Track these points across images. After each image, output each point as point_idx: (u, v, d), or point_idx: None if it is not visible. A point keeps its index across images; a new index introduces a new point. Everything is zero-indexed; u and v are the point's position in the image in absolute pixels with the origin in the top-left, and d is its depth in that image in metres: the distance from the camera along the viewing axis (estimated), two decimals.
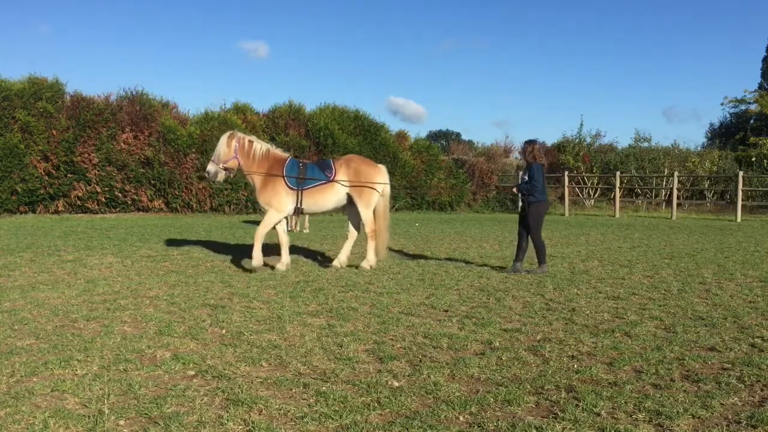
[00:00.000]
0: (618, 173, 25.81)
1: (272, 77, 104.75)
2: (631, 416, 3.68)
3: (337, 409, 3.74)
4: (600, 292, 7.51)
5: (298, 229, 15.25)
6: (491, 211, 26.45)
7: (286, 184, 8.98)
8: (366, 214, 9.25)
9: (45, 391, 3.99)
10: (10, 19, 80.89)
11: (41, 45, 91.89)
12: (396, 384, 4.19)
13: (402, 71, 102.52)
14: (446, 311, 6.41)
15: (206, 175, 9.34)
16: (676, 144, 32.66)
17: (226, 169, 9.03)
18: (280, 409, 3.73)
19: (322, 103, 24.78)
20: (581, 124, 38.96)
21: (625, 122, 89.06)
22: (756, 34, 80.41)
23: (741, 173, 22.77)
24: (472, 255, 11.02)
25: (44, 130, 19.12)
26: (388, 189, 9.49)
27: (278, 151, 9.35)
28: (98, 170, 19.75)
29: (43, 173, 19.16)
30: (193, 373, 4.40)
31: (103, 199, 19.99)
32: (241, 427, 3.51)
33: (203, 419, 3.58)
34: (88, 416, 3.60)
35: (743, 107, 43.72)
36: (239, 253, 10.83)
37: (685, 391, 4.10)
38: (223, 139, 9.05)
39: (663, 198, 27.43)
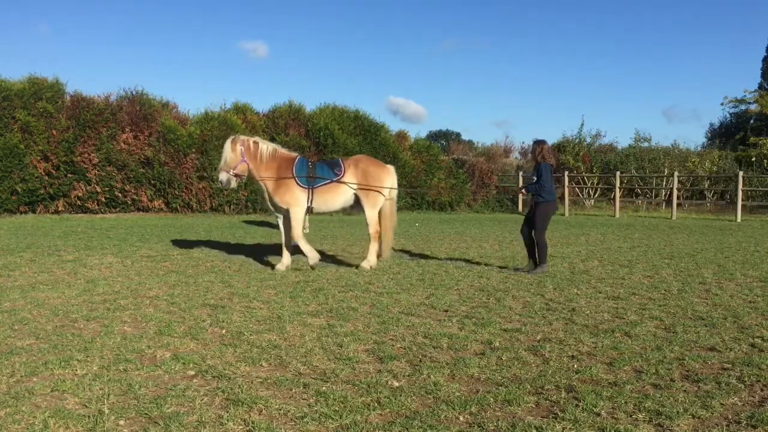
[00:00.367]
0: (618, 173, 25.81)
1: (272, 77, 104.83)
2: (631, 416, 3.68)
3: (337, 409, 3.74)
4: (600, 292, 7.51)
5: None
6: (491, 211, 26.44)
7: (297, 183, 8.99)
8: (371, 214, 9.26)
9: (45, 391, 3.99)
10: (10, 19, 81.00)
11: (41, 45, 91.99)
12: (396, 384, 4.19)
13: (402, 71, 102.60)
14: (446, 311, 6.41)
15: (219, 184, 9.28)
16: (676, 144, 32.68)
17: (237, 175, 8.97)
18: (280, 409, 3.73)
19: (322, 103, 24.79)
20: (581, 124, 39.05)
21: (625, 122, 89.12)
22: (756, 34, 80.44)
23: (741, 173, 22.76)
24: (472, 255, 11.01)
25: (44, 130, 19.11)
26: (395, 190, 9.50)
27: (285, 151, 9.35)
28: (98, 170, 19.74)
29: (43, 173, 19.15)
30: (193, 373, 4.40)
31: (103, 199, 19.99)
32: (241, 427, 3.51)
33: (203, 419, 3.58)
34: (88, 416, 3.60)
35: (743, 107, 43.72)
36: (239, 253, 10.84)
37: (685, 391, 4.10)
38: (228, 144, 8.96)
39: (663, 198, 27.42)
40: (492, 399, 3.92)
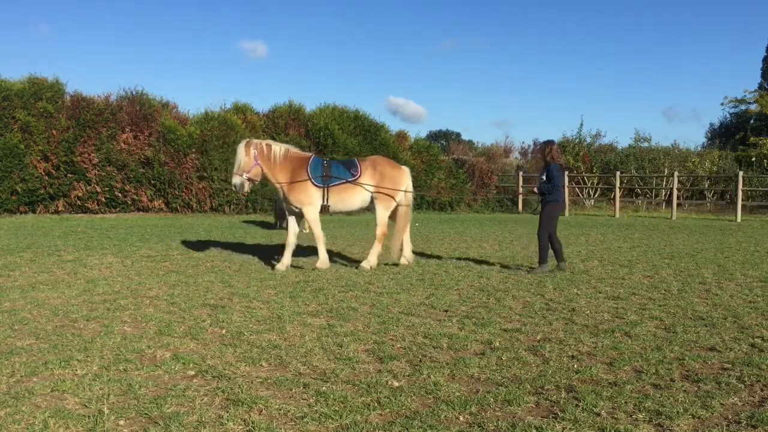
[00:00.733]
0: (618, 173, 25.81)
1: (272, 77, 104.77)
2: (631, 416, 3.68)
3: (337, 409, 3.74)
4: (600, 292, 7.51)
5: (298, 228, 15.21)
6: (491, 211, 26.44)
7: (312, 183, 9.00)
8: (382, 216, 9.28)
9: (45, 391, 3.99)
10: (10, 19, 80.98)
11: (41, 45, 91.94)
12: (396, 384, 4.19)
13: (402, 71, 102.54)
14: (446, 311, 6.42)
15: (233, 188, 9.26)
16: (676, 144, 32.74)
17: (250, 179, 8.97)
18: (280, 409, 3.73)
19: (322, 103, 24.81)
20: (581, 124, 39.05)
21: (625, 122, 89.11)
22: (756, 34, 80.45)
23: (741, 173, 22.77)
24: (472, 255, 11.01)
25: (44, 130, 19.11)
26: (410, 191, 9.52)
27: (297, 150, 9.37)
28: (98, 170, 19.75)
29: (43, 173, 19.15)
30: (193, 373, 4.40)
31: (103, 199, 19.99)
32: (241, 427, 3.51)
33: (203, 419, 3.58)
34: (88, 416, 3.60)
35: (743, 107, 43.72)
36: (239, 253, 10.84)
37: (685, 391, 4.10)
38: (241, 148, 8.93)
39: (663, 198, 27.43)
40: (492, 399, 3.92)
